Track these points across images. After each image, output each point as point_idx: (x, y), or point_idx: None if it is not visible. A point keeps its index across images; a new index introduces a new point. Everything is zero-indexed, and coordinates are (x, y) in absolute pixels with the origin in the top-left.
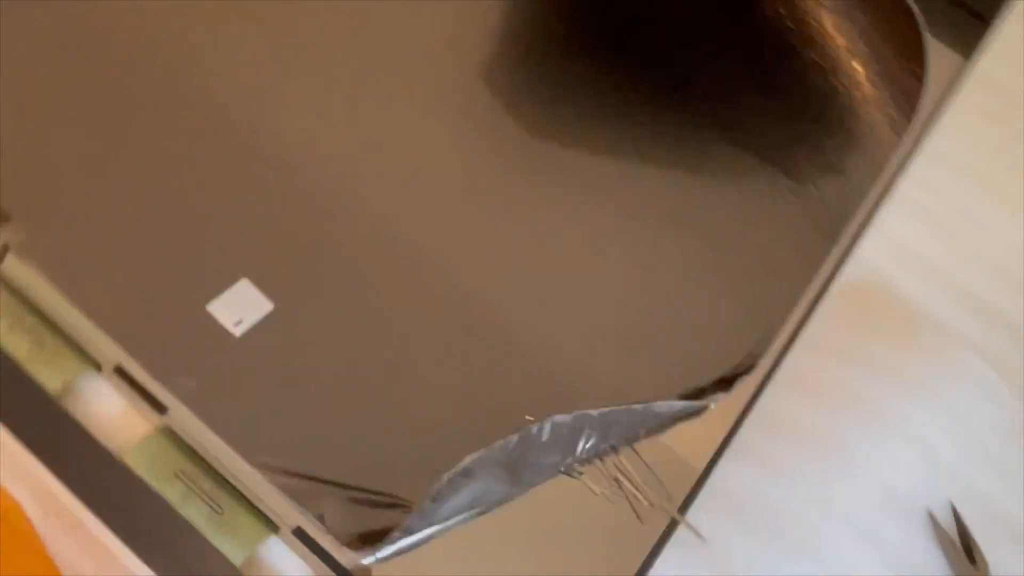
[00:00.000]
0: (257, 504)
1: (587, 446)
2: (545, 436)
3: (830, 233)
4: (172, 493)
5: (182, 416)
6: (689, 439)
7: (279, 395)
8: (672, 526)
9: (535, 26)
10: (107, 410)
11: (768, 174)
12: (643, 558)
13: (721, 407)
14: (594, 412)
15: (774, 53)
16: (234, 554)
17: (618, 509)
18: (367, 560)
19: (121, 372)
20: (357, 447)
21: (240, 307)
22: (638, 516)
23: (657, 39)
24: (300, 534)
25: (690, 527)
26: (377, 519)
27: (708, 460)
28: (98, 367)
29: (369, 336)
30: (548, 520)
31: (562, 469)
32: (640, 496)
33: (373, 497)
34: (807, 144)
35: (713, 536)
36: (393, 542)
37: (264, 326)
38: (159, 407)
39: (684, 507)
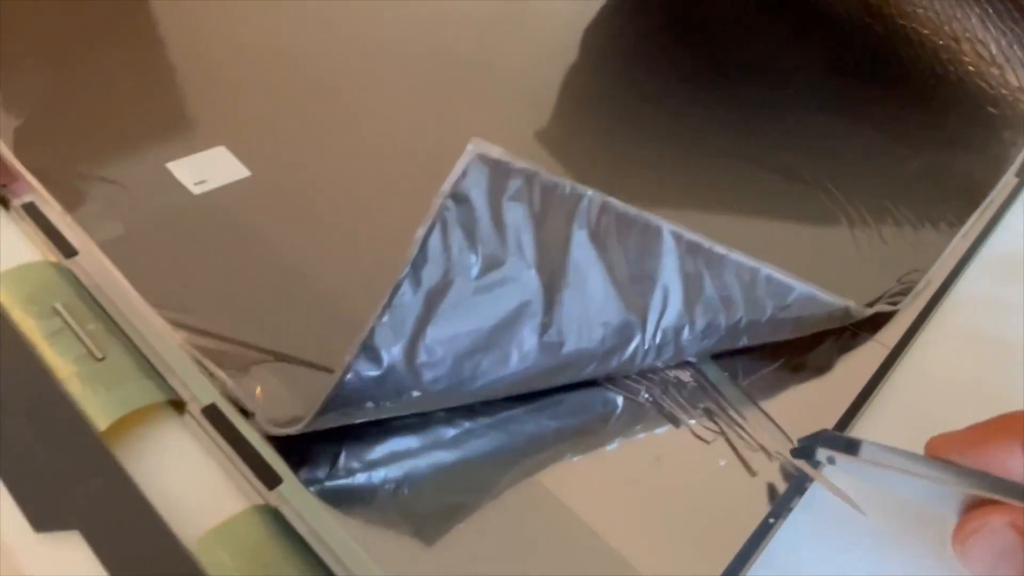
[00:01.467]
0: (162, 371)
1: (656, 339)
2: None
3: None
4: (41, 327)
5: (92, 263)
6: (824, 386)
7: (218, 262)
8: (796, 486)
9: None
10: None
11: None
12: (753, 527)
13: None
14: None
15: (871, 57)
16: (100, 414)
17: (712, 455)
18: (293, 429)
19: (30, 208)
20: (299, 325)
21: (209, 171)
22: (747, 466)
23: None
24: (211, 412)
25: (835, 490)
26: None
27: (849, 405)
28: (6, 198)
29: (336, 221)
30: (604, 469)
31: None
32: (749, 440)
33: (314, 371)
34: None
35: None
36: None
37: (230, 191)
38: (67, 249)
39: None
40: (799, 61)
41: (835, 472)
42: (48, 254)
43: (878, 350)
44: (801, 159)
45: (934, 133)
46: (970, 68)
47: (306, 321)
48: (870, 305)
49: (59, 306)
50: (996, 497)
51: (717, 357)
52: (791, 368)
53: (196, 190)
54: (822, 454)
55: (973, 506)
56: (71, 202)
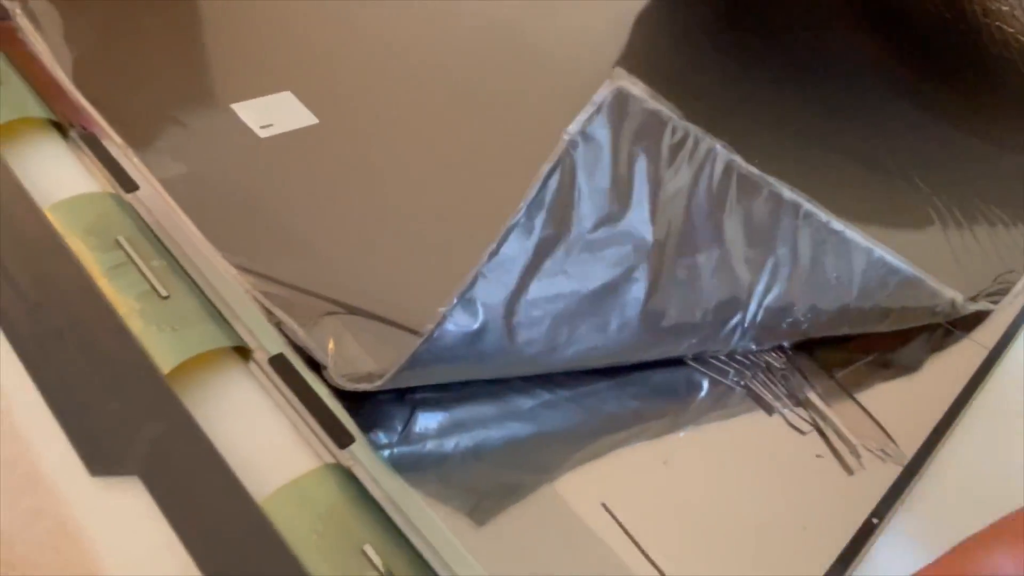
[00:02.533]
0: (227, 316)
1: (758, 318)
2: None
3: None
4: (102, 260)
5: (155, 200)
6: (920, 383)
7: (286, 209)
8: (899, 485)
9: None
10: (55, 172)
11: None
12: (855, 528)
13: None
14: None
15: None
16: (165, 355)
17: (807, 447)
18: (368, 386)
19: (90, 139)
20: (371, 279)
21: (275, 115)
22: (844, 464)
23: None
24: (279, 363)
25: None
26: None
27: (951, 405)
28: (64, 126)
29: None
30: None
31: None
32: (847, 435)
33: (388, 327)
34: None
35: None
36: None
37: (298, 136)
38: (128, 183)
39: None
40: (878, 53)
41: None
42: (107, 187)
43: (975, 349)
44: (886, 152)
45: (1020, 133)
46: None
47: (379, 275)
48: (970, 300)
49: (122, 239)
50: None
51: (808, 346)
52: (883, 363)
53: (263, 133)
54: None
55: None
56: (132, 137)
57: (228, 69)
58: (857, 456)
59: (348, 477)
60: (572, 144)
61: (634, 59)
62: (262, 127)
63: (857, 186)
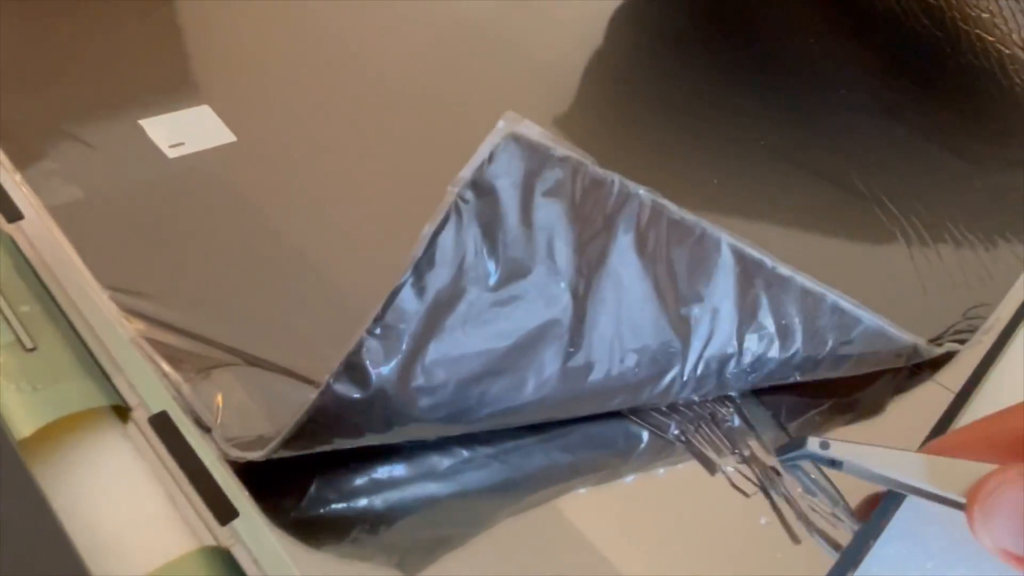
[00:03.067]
0: (106, 368)
1: (697, 370)
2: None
3: None
4: None
5: (39, 230)
6: (879, 433)
7: (188, 241)
8: (848, 558)
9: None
10: None
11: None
12: None
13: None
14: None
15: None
16: (21, 419)
17: (750, 512)
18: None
19: None
20: (277, 324)
21: (188, 132)
22: (791, 532)
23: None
24: (160, 422)
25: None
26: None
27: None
28: None
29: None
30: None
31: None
32: (794, 497)
33: (290, 380)
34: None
35: None
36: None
37: (211, 156)
38: (11, 211)
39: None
40: (850, 61)
41: None
42: None
43: (940, 393)
44: (854, 167)
45: (998, 150)
46: None
47: (286, 319)
48: (934, 341)
49: None
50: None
51: (759, 392)
52: (841, 409)
53: (171, 153)
54: (814, 442)
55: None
56: (22, 157)
57: (140, 79)
58: (806, 521)
59: (226, 561)
60: (462, 197)
61: (606, 60)
62: (171, 146)
63: (824, 205)
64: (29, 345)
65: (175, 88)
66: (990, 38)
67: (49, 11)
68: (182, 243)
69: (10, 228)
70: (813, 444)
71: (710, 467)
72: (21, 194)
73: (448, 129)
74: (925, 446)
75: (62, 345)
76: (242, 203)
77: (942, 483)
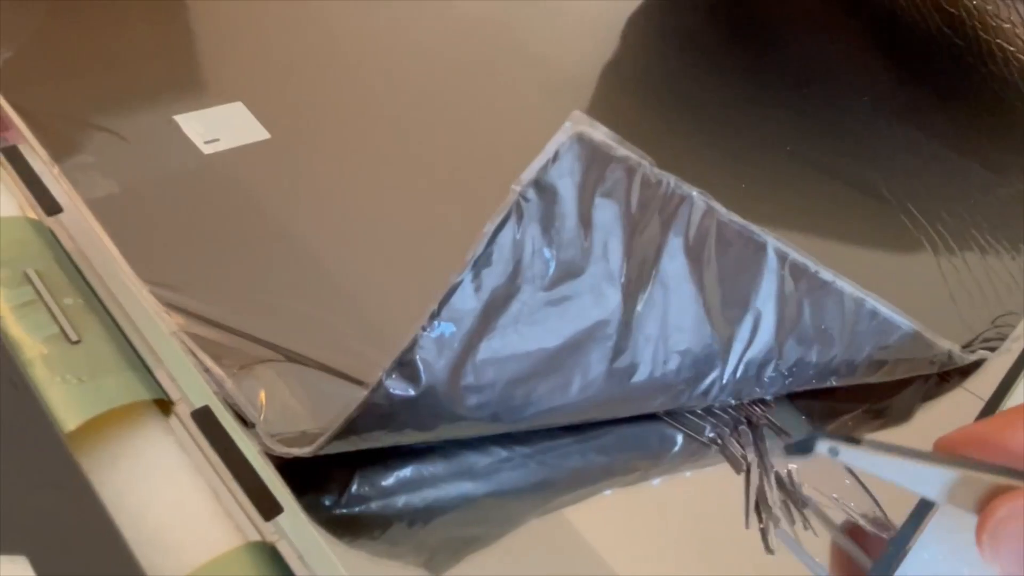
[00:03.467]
0: (148, 362)
1: (737, 374)
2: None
3: None
4: (10, 296)
5: (78, 224)
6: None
7: (227, 237)
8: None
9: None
10: None
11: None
12: None
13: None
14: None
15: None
16: (68, 412)
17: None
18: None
19: (11, 152)
20: (317, 321)
21: (223, 128)
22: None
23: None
24: (202, 417)
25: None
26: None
27: None
28: None
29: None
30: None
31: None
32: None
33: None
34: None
35: None
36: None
37: (245, 153)
38: (50, 205)
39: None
40: (873, 69)
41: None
42: (27, 209)
43: (970, 400)
44: (879, 174)
45: (1021, 158)
46: None
47: (328, 316)
48: (967, 348)
49: (32, 273)
50: (1012, 483)
51: (793, 397)
52: (873, 414)
53: (206, 149)
54: (822, 446)
55: (995, 494)
56: (61, 151)
57: (175, 76)
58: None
59: (272, 556)
60: (524, 196)
61: (623, 62)
62: (207, 142)
63: (850, 211)
64: (74, 338)
65: (209, 84)
66: (1011, 48)
67: (88, 9)
68: (219, 238)
69: (50, 221)
70: (822, 448)
71: (741, 470)
72: (59, 188)
73: (475, 131)
74: (945, 436)
75: (105, 338)
76: (276, 200)
77: (955, 498)
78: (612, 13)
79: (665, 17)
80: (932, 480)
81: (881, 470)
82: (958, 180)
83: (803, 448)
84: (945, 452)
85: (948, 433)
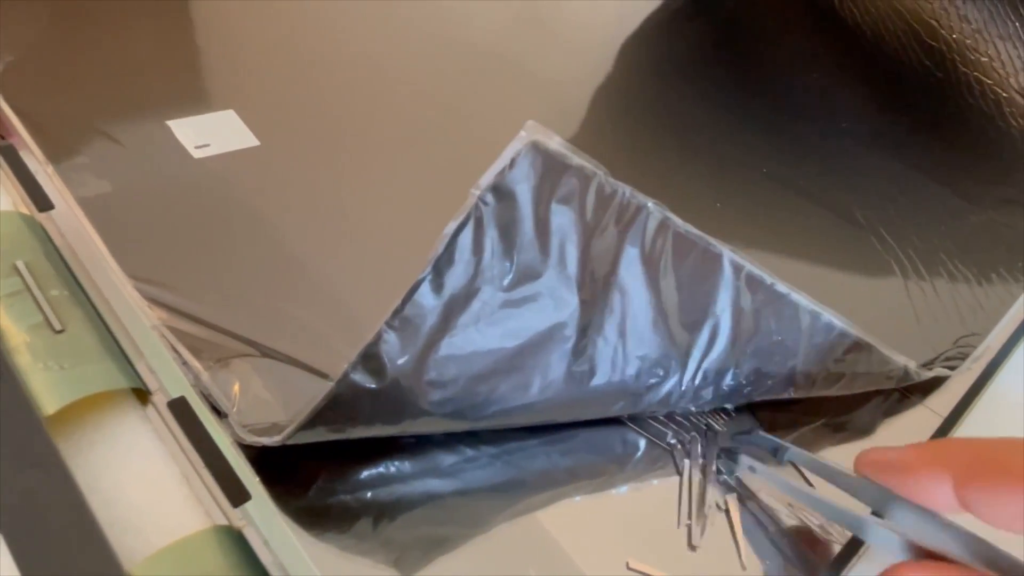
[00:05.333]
0: (128, 353)
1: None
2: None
3: None
4: None
5: (68, 220)
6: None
7: (210, 237)
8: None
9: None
10: None
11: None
12: None
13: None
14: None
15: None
16: (49, 396)
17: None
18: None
19: (7, 151)
20: (292, 318)
21: (214, 134)
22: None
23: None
24: (178, 407)
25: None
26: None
27: None
28: None
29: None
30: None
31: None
32: (779, 518)
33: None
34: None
35: None
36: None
37: (234, 159)
38: (42, 201)
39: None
40: (853, 97)
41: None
42: (20, 204)
43: (929, 417)
44: (853, 198)
45: (995, 188)
46: None
47: (301, 314)
48: (925, 366)
49: (21, 264)
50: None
51: (754, 407)
52: (833, 428)
53: (197, 154)
54: (745, 462)
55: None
56: (56, 151)
57: (170, 84)
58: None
59: (237, 541)
60: (483, 200)
61: (615, 86)
62: (197, 147)
63: (823, 233)
64: (57, 327)
65: (202, 92)
66: (988, 81)
67: (89, 17)
68: (204, 239)
69: (41, 217)
70: (744, 464)
71: (704, 475)
72: (52, 186)
73: (461, 145)
74: (866, 454)
75: (88, 329)
76: (262, 205)
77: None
78: (607, 39)
79: (657, 44)
80: (842, 511)
81: (794, 492)
82: (930, 207)
83: (729, 457)
84: (861, 469)
85: (869, 451)
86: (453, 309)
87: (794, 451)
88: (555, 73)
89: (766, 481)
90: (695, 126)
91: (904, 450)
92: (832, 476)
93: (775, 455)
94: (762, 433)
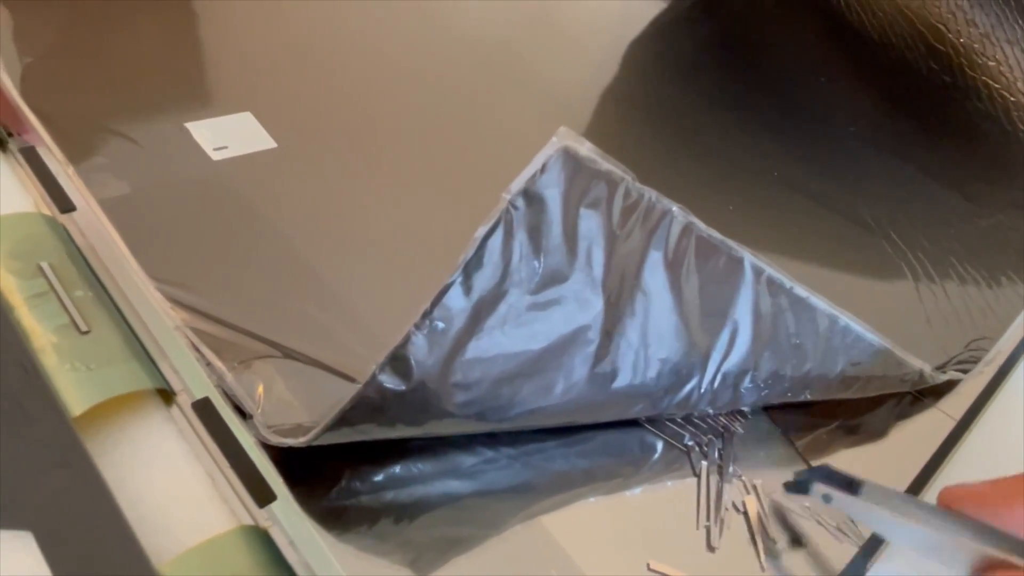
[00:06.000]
0: (152, 354)
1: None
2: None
3: None
4: (23, 287)
5: (90, 222)
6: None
7: (231, 238)
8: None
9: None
10: None
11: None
12: None
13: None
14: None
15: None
16: (76, 397)
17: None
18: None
19: (29, 152)
20: (315, 320)
21: (231, 136)
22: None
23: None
24: (203, 408)
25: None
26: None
27: (912, 481)
28: (2, 138)
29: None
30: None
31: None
32: (793, 521)
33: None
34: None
35: None
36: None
37: (253, 161)
38: (64, 203)
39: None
40: (861, 101)
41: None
42: (42, 206)
43: (942, 420)
44: (863, 202)
45: (1003, 192)
46: None
47: (323, 317)
48: (939, 369)
49: (46, 266)
50: (1010, 558)
51: (770, 409)
52: (847, 430)
53: (215, 156)
54: (818, 490)
55: (984, 568)
56: (76, 152)
57: (187, 85)
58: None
59: (264, 540)
60: (513, 204)
61: (622, 88)
62: (216, 149)
63: (833, 237)
64: (83, 328)
65: (219, 94)
66: (996, 85)
67: (107, 19)
68: (223, 241)
69: (63, 218)
70: (817, 493)
71: (722, 477)
72: (73, 187)
73: (475, 147)
74: (949, 489)
75: (113, 330)
76: (280, 207)
77: (943, 557)
78: (613, 40)
79: (664, 46)
80: (923, 539)
81: (872, 523)
82: (940, 210)
83: (799, 489)
84: (947, 503)
85: (952, 487)
86: (481, 312)
87: (870, 484)
88: (563, 75)
89: (844, 511)
90: (702, 128)
91: (993, 483)
92: (912, 511)
93: (849, 489)
94: (833, 468)
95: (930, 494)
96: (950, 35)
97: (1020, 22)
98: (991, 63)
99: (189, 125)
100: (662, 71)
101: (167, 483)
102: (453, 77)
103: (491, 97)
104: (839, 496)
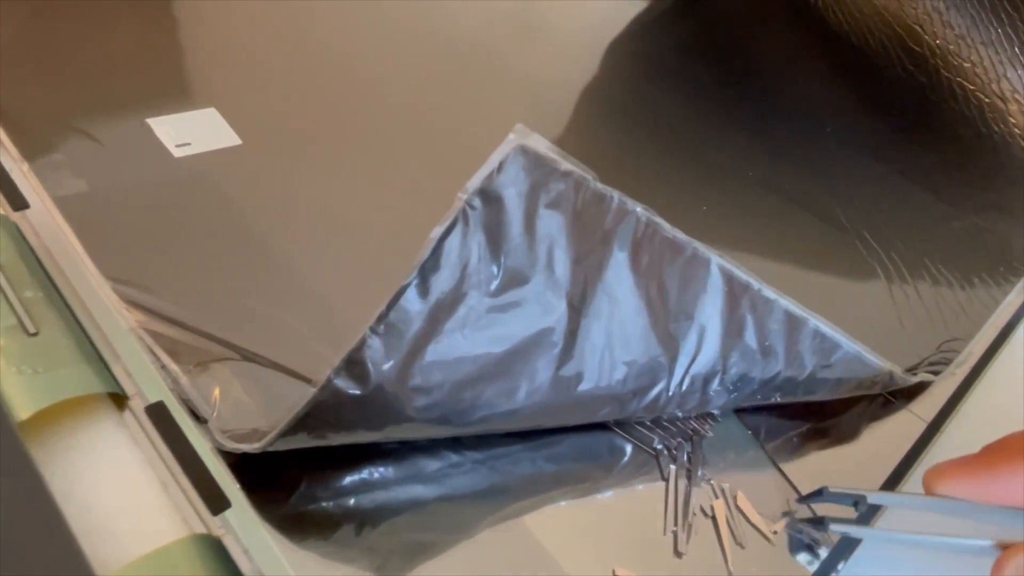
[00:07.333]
0: (105, 356)
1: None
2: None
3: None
4: None
5: (44, 220)
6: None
7: (190, 238)
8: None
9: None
10: None
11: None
12: None
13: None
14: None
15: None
16: (21, 401)
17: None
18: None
19: None
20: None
21: (194, 133)
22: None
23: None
24: (156, 412)
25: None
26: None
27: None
28: None
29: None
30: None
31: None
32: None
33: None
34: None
35: None
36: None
37: (216, 158)
38: (17, 200)
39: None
40: (838, 101)
41: None
42: None
43: (913, 422)
44: (837, 202)
45: (977, 193)
46: (1015, 130)
47: (284, 317)
48: (910, 371)
49: None
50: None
51: (740, 412)
52: (818, 432)
53: (177, 152)
54: (835, 528)
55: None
56: (32, 149)
57: (151, 81)
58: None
59: (216, 550)
60: (470, 204)
61: (601, 87)
62: (178, 145)
63: (807, 237)
64: (31, 330)
65: (182, 90)
66: (971, 86)
67: (69, 12)
68: (183, 240)
69: (16, 216)
70: (837, 529)
71: (690, 481)
72: (28, 184)
73: (445, 145)
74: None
75: (63, 332)
76: (243, 204)
77: None
78: (594, 39)
79: (643, 46)
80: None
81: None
82: (914, 211)
83: (815, 525)
84: (930, 488)
85: (933, 468)
86: (439, 314)
87: (875, 495)
88: (541, 74)
89: (870, 537)
90: (681, 129)
91: (970, 458)
92: (917, 506)
93: (856, 507)
94: (833, 490)
95: None
96: (926, 37)
97: (995, 24)
98: (966, 64)
99: (151, 121)
100: (642, 71)
101: (117, 490)
102: (428, 75)
103: (467, 95)
104: (857, 529)
